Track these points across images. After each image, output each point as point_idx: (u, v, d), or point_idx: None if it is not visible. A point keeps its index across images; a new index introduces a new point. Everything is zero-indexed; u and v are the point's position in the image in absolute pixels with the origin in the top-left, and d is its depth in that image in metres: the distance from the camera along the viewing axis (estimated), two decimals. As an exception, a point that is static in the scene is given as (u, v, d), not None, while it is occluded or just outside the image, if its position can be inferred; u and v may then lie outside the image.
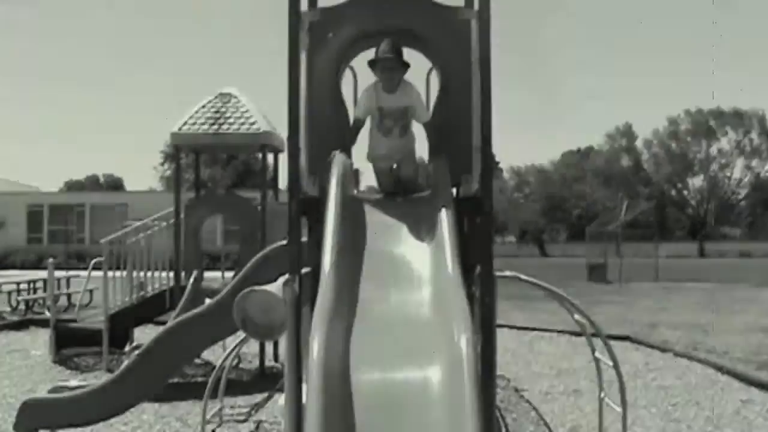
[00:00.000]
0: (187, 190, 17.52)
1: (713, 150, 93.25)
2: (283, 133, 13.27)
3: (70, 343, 14.91)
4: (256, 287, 5.48)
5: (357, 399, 4.77)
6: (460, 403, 4.47)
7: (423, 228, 6.27)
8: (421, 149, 6.99)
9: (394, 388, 4.86)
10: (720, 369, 12.95)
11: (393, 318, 5.56)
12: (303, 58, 6.58)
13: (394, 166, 6.73)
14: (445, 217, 5.99)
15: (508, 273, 6.88)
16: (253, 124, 13.43)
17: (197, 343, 9.28)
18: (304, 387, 5.21)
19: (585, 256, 43.12)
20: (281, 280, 5.62)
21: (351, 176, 6.78)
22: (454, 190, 6.70)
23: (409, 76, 6.74)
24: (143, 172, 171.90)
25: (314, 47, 6.74)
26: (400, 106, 6.73)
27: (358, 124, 6.84)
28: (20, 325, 19.21)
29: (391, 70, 6.62)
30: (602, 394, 8.78)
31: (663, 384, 12.14)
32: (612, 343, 8.21)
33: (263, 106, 14.06)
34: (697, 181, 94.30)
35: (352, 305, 5.62)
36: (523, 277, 7.22)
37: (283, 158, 13.92)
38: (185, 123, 13.54)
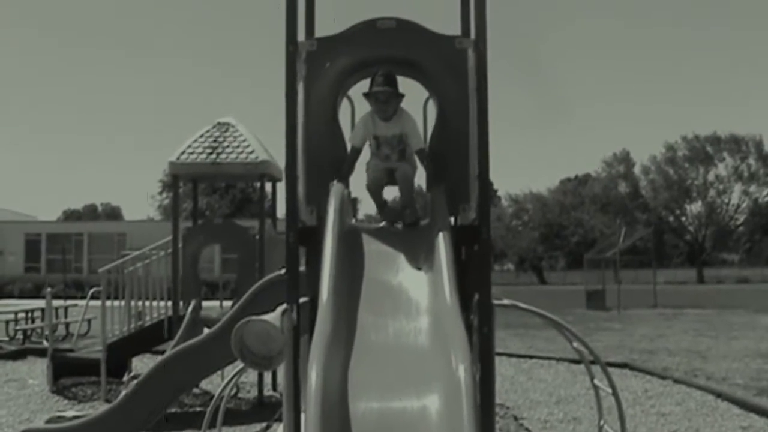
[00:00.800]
0: (185, 219, 17.54)
1: (711, 176, 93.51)
2: (281, 162, 13.27)
3: (68, 372, 14.88)
4: (254, 317, 5.47)
5: (355, 428, 4.76)
6: (459, 428, 4.47)
7: (421, 256, 6.27)
8: (419, 179, 7.00)
9: (392, 417, 4.86)
10: (719, 395, 12.92)
11: (391, 347, 5.56)
12: (300, 87, 6.60)
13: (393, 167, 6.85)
14: (443, 246, 6.00)
15: (506, 301, 6.87)
16: (251, 153, 13.45)
17: (195, 373, 9.26)
18: (303, 417, 5.20)
19: (583, 283, 43.13)
20: (279, 309, 5.62)
21: (349, 205, 6.79)
22: (452, 219, 6.71)
23: (408, 102, 6.79)
24: (141, 202, 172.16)
25: (311, 77, 6.76)
26: (396, 134, 6.75)
27: (355, 152, 6.84)
28: (18, 355, 19.16)
29: (385, 102, 6.66)
30: (602, 422, 8.74)
31: (662, 411, 12.11)
32: (611, 370, 8.19)
33: (261, 136, 14.10)
34: (695, 207, 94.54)
35: (350, 334, 5.62)
36: (521, 305, 7.21)
37: (281, 187, 13.94)
38: (183, 152, 13.56)
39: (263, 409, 12.62)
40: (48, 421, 8.81)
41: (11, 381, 15.23)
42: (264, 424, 11.39)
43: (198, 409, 12.28)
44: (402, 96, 6.75)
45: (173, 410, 11.68)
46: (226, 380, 10.15)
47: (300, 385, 5.71)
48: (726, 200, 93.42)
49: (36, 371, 16.20)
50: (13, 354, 19.24)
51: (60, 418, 8.87)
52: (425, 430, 4.73)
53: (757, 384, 13.85)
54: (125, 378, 13.84)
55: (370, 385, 5.11)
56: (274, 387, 14.06)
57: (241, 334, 5.44)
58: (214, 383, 12.70)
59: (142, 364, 13.23)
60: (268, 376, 13.98)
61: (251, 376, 13.51)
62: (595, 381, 8.69)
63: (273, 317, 5.48)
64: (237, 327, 5.44)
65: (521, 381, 15.15)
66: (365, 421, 4.81)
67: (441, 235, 6.18)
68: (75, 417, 8.80)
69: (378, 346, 5.58)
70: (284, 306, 5.66)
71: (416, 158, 6.93)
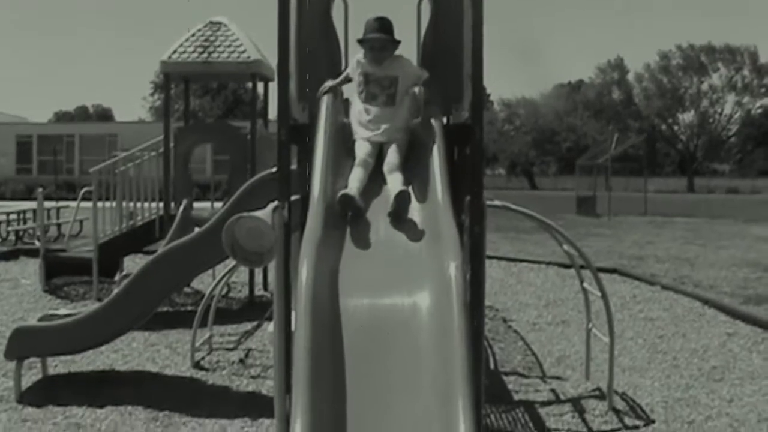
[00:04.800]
0: (177, 120, 17.41)
1: (704, 86, 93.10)
2: (273, 62, 13.18)
3: (60, 272, 14.92)
4: (245, 214, 5.47)
5: (345, 324, 4.79)
6: (449, 328, 4.50)
7: (413, 154, 6.27)
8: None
9: (382, 313, 4.88)
10: (706, 302, 13.01)
11: (382, 244, 5.58)
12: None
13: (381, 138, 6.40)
14: (435, 144, 5.99)
15: (497, 202, 6.87)
16: (243, 52, 13.33)
17: (186, 272, 9.26)
18: (293, 314, 5.22)
19: (574, 189, 43.20)
20: (270, 206, 5.61)
21: (341, 104, 6.75)
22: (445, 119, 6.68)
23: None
24: (133, 104, 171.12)
25: (304, -28, 6.67)
26: (389, 75, 6.49)
27: (347, 79, 6.75)
28: (10, 255, 19.18)
29: (380, 50, 6.50)
30: (590, 325, 8.84)
31: (650, 316, 12.21)
32: (600, 275, 8.23)
33: (253, 36, 13.96)
34: (687, 117, 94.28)
35: (341, 231, 5.64)
36: (512, 206, 7.21)
37: (273, 87, 13.86)
38: (175, 51, 13.43)
39: (254, 308, 12.68)
40: (40, 319, 8.81)
41: (4, 281, 15.28)
42: (255, 323, 11.46)
43: (189, 308, 12.34)
44: (398, 43, 6.58)
45: (165, 309, 11.77)
46: (216, 280, 10.23)
47: (290, 283, 5.73)
48: (719, 110, 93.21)
49: (28, 271, 16.24)
50: (5, 254, 19.25)
51: (52, 316, 8.87)
52: (415, 326, 4.76)
53: (744, 292, 13.94)
54: (117, 277, 13.91)
55: (361, 282, 5.13)
56: (265, 287, 14.12)
57: (233, 231, 5.43)
58: (205, 283, 12.76)
59: (134, 264, 13.26)
60: (258, 276, 14.04)
61: (242, 275, 13.56)
62: (585, 284, 8.75)
63: (264, 214, 5.48)
64: (228, 223, 5.44)
65: (511, 284, 15.24)
66: (355, 317, 4.84)
67: (433, 133, 6.17)
68: (67, 315, 8.81)
69: (369, 243, 5.60)
70: (275, 203, 5.66)
71: (412, 96, 6.75)
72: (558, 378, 8.99)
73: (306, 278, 4.76)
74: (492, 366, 9.48)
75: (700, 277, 15.70)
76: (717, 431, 7.30)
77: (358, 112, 6.52)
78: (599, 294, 8.06)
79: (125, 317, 8.62)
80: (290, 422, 4.30)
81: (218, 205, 12.85)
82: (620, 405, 8.03)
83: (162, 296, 9.24)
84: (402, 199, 5.69)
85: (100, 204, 13.74)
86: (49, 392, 8.33)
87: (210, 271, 12.23)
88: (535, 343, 10.50)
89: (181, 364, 9.42)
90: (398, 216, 5.66)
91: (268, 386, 8.38)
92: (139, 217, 14.34)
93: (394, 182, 5.91)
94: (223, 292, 12.00)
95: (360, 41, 6.57)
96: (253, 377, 8.99)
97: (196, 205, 13.51)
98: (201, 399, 8.18)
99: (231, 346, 10.30)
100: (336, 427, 4.37)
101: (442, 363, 4.47)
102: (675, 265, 17.77)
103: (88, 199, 14.32)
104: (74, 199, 18.11)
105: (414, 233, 5.49)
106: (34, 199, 16.23)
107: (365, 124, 6.44)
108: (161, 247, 10.58)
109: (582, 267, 8.80)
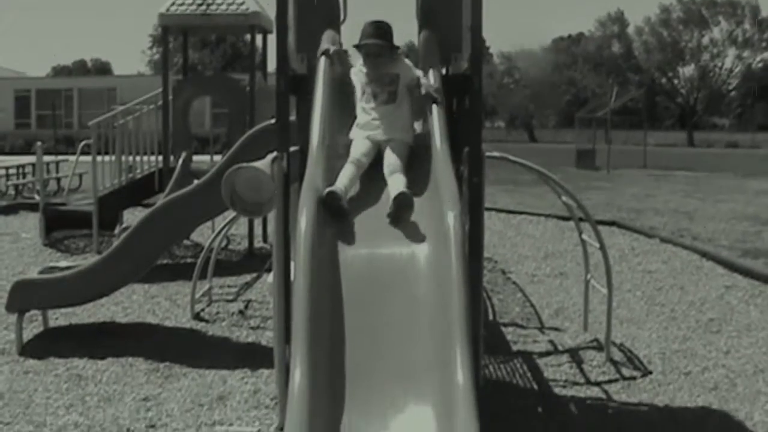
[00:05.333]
0: (176, 73, 17.31)
1: (705, 39, 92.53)
2: (271, 14, 13.13)
3: (60, 226, 14.92)
4: (245, 164, 5.48)
5: (344, 274, 4.81)
6: (447, 277, 4.51)
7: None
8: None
9: (380, 262, 4.90)
10: (704, 255, 13.02)
11: (380, 195, 5.58)
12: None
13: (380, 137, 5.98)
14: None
15: (496, 153, 6.87)
16: (241, 4, 13.28)
17: (185, 224, 9.28)
18: (292, 265, 5.24)
19: (574, 142, 43.11)
20: (269, 157, 5.62)
21: (341, 54, 6.71)
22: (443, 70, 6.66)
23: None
24: (132, 57, 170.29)
25: None
26: (389, 72, 6.14)
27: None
28: (10, 210, 19.15)
29: (376, 55, 6.16)
30: (588, 276, 8.87)
31: (648, 268, 12.25)
32: (599, 227, 8.25)
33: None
34: (687, 70, 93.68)
35: (340, 185, 5.63)
36: (511, 158, 7.21)
37: (272, 40, 13.78)
38: (173, 4, 13.37)
39: (253, 260, 12.72)
40: (41, 272, 8.84)
41: (4, 235, 15.29)
42: (254, 275, 11.50)
43: (189, 260, 12.37)
44: (396, 48, 6.30)
45: (164, 262, 11.80)
46: (216, 232, 10.25)
47: (290, 234, 5.75)
48: (719, 64, 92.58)
49: (28, 225, 16.25)
50: (5, 209, 19.23)
51: (53, 269, 8.90)
52: (413, 275, 4.78)
53: (742, 245, 13.96)
54: (117, 230, 13.92)
55: (359, 232, 5.15)
56: (265, 239, 14.14)
57: (232, 181, 5.45)
58: (204, 235, 12.77)
59: (134, 217, 13.28)
60: (258, 228, 14.06)
61: (241, 228, 13.58)
62: (583, 236, 8.77)
63: (263, 164, 5.49)
64: (227, 174, 5.45)
65: (510, 236, 15.26)
66: (354, 266, 4.85)
67: (431, 80, 6.15)
68: (68, 267, 8.84)
69: (368, 193, 5.60)
70: (274, 153, 5.66)
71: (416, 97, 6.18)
72: (556, 329, 9.05)
73: (305, 228, 4.77)
74: (491, 317, 9.54)
75: (698, 231, 15.72)
76: (714, 382, 7.35)
77: (358, 114, 6.16)
78: (598, 245, 8.08)
79: (125, 269, 8.65)
80: (290, 372, 4.33)
81: (217, 158, 12.83)
82: (618, 356, 8.08)
83: (161, 248, 9.28)
84: (402, 202, 5.24)
85: (99, 158, 13.72)
86: (50, 345, 8.38)
87: (209, 224, 12.25)
88: (533, 295, 10.55)
89: (181, 315, 9.47)
90: (397, 219, 5.20)
91: (267, 337, 8.43)
92: (139, 171, 14.33)
93: (395, 184, 5.44)
94: (223, 245, 12.03)
95: (357, 47, 6.27)
96: (252, 328, 9.05)
97: (195, 158, 13.50)
98: (201, 350, 8.24)
99: (230, 297, 10.35)
100: (335, 375, 4.41)
101: (441, 312, 4.50)
102: (674, 218, 17.78)
103: (87, 153, 14.30)
104: (73, 154, 18.09)
105: (413, 183, 5.49)
106: (33, 153, 16.17)
107: (364, 124, 6.07)
108: (160, 200, 10.59)
109: (581, 219, 8.83)
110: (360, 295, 4.69)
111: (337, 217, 5.16)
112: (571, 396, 7.16)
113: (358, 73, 6.26)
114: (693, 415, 6.72)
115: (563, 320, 9.39)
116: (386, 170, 5.62)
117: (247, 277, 11.39)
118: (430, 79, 6.09)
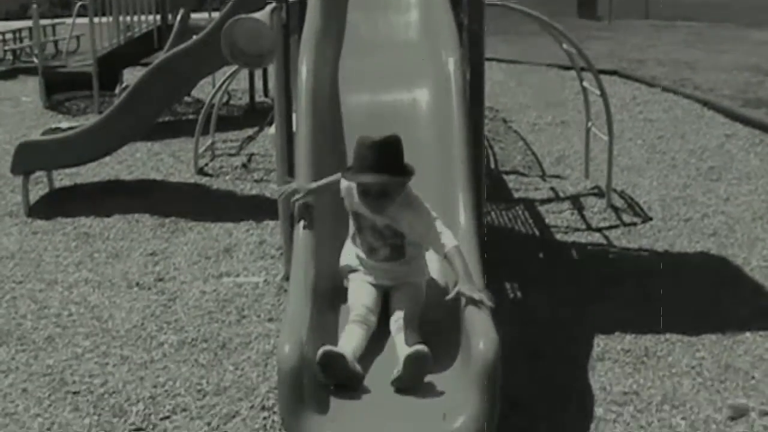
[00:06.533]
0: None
1: None
2: None
3: (61, 88, 14.79)
4: (244, 15, 5.46)
5: (346, 121, 4.85)
6: (448, 120, 4.55)
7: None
8: None
9: (382, 108, 4.94)
10: (706, 104, 12.93)
11: (381, 41, 5.58)
12: None
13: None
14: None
15: (497, 1, 6.82)
16: None
17: (186, 79, 9.24)
18: (294, 116, 5.27)
19: (575, -9, 42.47)
20: (269, 7, 5.59)
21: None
22: None
23: None
24: None
25: None
26: (389, 224, 4.18)
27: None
28: (9, 75, 18.97)
29: (378, 196, 4.07)
30: (589, 124, 8.87)
31: (649, 117, 12.20)
32: (600, 77, 8.21)
33: None
34: None
35: (340, 30, 5.62)
36: (511, 4, 7.16)
37: None
38: None
39: (255, 114, 12.66)
40: (44, 133, 8.84)
41: (5, 100, 15.20)
42: (256, 129, 11.50)
43: (191, 116, 12.32)
44: (407, 180, 4.13)
45: (166, 119, 11.77)
46: (216, 87, 10.23)
47: (291, 87, 5.75)
48: None
49: (28, 89, 16.13)
50: (3, 74, 19.05)
51: (56, 129, 8.91)
52: (415, 120, 4.82)
53: (744, 95, 13.85)
54: (117, 90, 13.83)
55: (361, 79, 5.17)
56: (266, 93, 14.06)
57: (231, 33, 5.44)
58: (205, 92, 12.70)
59: (134, 77, 13.19)
60: (259, 83, 13.99)
61: (242, 83, 13.50)
62: (585, 83, 8.75)
63: (263, 15, 5.47)
64: (226, 26, 5.44)
65: (511, 86, 15.16)
66: (356, 113, 4.89)
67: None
68: (71, 128, 8.84)
69: (368, 41, 5.60)
70: (274, 4, 5.63)
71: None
72: (557, 177, 9.09)
73: (306, 77, 4.79)
74: (492, 165, 9.57)
75: (700, 80, 15.59)
76: (713, 229, 7.41)
77: (351, 241, 4.43)
78: (599, 93, 8.07)
79: (127, 127, 8.67)
80: (293, 222, 4.39)
81: (216, 15, 12.68)
82: (618, 203, 8.15)
83: (162, 105, 9.29)
84: (414, 365, 3.67)
85: (96, 19, 13.57)
86: (56, 205, 8.43)
87: (210, 80, 12.19)
88: (535, 143, 10.56)
89: (185, 171, 9.51)
90: (408, 382, 3.67)
91: (271, 189, 8.48)
92: (137, 30, 14.19)
93: (403, 342, 3.86)
94: (224, 100, 11.98)
95: (345, 175, 4.25)
96: (256, 181, 9.11)
97: (193, 15, 13.35)
98: (206, 204, 8.31)
99: (233, 152, 10.38)
100: (338, 221, 4.48)
101: (443, 156, 4.55)
102: (675, 68, 17.62)
103: (84, 15, 14.13)
104: (69, 16, 17.88)
105: (412, 29, 5.48)
106: (29, 17, 15.97)
107: (361, 266, 4.33)
108: (159, 57, 10.53)
109: (582, 69, 8.79)
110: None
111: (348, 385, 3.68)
112: (572, 242, 7.26)
113: (347, 195, 4.31)
114: (692, 260, 6.82)
115: (564, 168, 9.43)
116: (393, 326, 4.00)
117: (249, 132, 11.40)
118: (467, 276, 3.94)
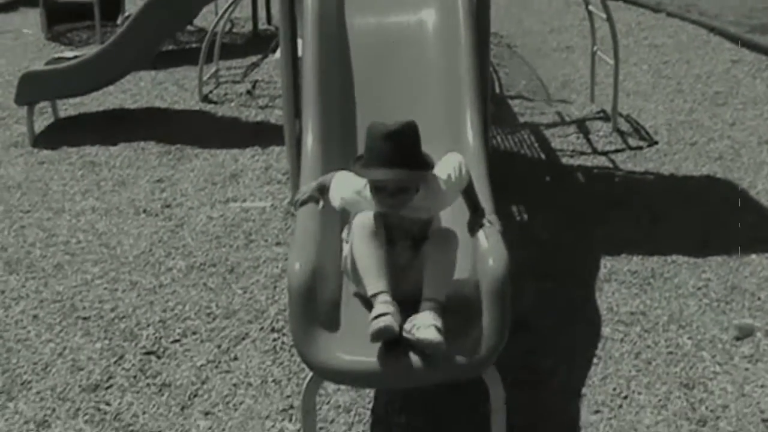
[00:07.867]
0: None
1: None
2: None
3: (62, 19, 14.68)
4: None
5: (353, 42, 4.83)
6: (455, 41, 4.54)
7: None
8: None
9: (389, 30, 4.92)
10: (712, 29, 12.84)
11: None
12: None
13: None
14: None
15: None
16: None
17: (188, 7, 9.18)
18: (299, 42, 5.25)
19: None
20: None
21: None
22: None
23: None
24: None
25: None
26: (414, 217, 3.78)
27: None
28: (9, 7, 18.79)
29: (394, 194, 3.63)
30: (595, 48, 8.83)
31: (655, 42, 12.12)
32: (606, 1, 8.16)
33: None
34: None
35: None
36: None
37: None
38: None
39: (259, 41, 12.56)
40: (47, 63, 8.82)
41: (5, 32, 15.08)
42: (260, 56, 11.44)
43: (194, 45, 12.22)
44: (428, 173, 3.72)
45: (169, 48, 11.69)
46: (219, 15, 10.16)
47: (295, 10, 5.72)
48: None
49: (29, 21, 15.99)
50: (3, 6, 18.89)
51: (59, 59, 8.88)
52: (421, 41, 4.81)
53: (749, 21, 13.73)
54: (119, 20, 13.77)
55: (367, 1, 5.14)
56: (269, 20, 13.96)
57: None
58: (208, 20, 12.59)
59: (136, 7, 13.12)
60: (262, 11, 13.87)
61: (245, 11, 13.37)
62: (590, 7, 8.69)
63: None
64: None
65: (515, 11, 14.98)
66: (363, 34, 4.87)
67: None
68: (74, 57, 8.82)
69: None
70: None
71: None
72: (563, 101, 9.06)
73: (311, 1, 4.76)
74: (497, 90, 9.54)
75: (706, 6, 15.45)
76: (719, 152, 7.42)
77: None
78: (605, 17, 8.02)
79: (131, 55, 8.64)
80: (301, 143, 4.40)
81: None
82: (624, 127, 8.14)
83: (165, 33, 9.24)
84: (425, 348, 3.37)
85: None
86: (61, 135, 8.43)
87: (212, 8, 12.10)
88: (540, 68, 10.50)
89: (190, 99, 9.48)
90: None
91: (276, 115, 8.47)
92: (138, -43, 14.08)
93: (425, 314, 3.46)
94: (227, 28, 11.90)
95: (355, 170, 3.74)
96: (261, 107, 9.07)
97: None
98: (211, 131, 8.30)
99: (237, 79, 10.33)
100: (347, 142, 4.49)
101: (449, 77, 4.55)
102: (680, -7, 17.50)
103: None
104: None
105: None
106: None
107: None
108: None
109: (587, -7, 8.74)
110: (369, 62, 4.73)
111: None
112: (578, 165, 7.27)
113: (362, 197, 3.78)
114: (698, 183, 6.85)
115: (570, 92, 9.39)
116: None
117: (253, 59, 11.32)
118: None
